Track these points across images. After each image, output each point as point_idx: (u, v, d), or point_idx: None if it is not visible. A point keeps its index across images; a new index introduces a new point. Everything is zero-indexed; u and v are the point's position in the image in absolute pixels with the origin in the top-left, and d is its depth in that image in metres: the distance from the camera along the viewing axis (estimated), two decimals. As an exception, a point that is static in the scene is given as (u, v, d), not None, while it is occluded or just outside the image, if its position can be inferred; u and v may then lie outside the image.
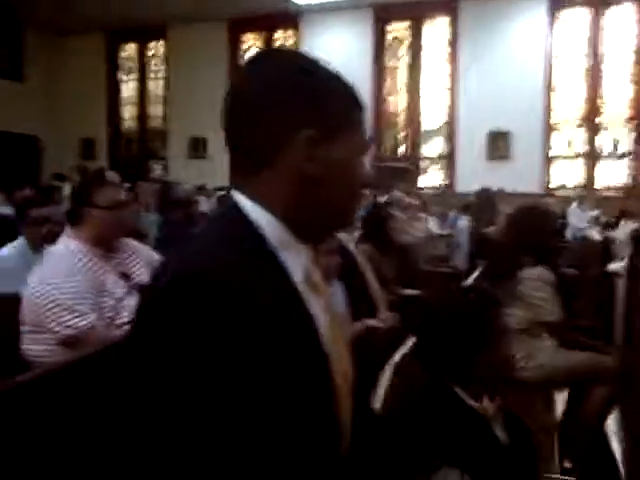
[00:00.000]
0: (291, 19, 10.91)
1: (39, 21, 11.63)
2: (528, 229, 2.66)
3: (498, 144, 9.82)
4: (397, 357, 1.51)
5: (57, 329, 2.04)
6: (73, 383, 1.49)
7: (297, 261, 0.80)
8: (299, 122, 0.77)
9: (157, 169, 12.53)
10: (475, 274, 3.22)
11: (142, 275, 2.40)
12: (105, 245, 2.25)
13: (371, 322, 2.19)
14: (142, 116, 12.65)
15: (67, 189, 7.16)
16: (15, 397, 1.32)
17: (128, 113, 12.80)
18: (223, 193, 7.34)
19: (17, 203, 4.43)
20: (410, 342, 1.66)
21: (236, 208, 0.79)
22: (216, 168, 11.16)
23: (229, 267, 0.69)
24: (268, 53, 0.84)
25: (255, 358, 0.66)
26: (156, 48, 12.42)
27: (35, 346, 2.11)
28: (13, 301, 2.22)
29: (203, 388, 0.65)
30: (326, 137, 0.78)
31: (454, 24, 10.19)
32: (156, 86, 12.50)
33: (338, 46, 10.27)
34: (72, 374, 1.52)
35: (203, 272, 0.68)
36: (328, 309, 0.86)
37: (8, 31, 11.64)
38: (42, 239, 2.90)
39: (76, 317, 2.03)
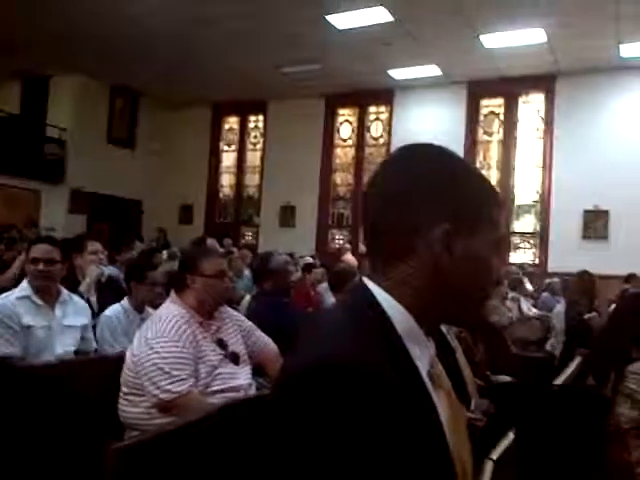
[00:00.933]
0: (386, 93, 11.24)
1: (153, 95, 12.75)
2: (638, 318, 2.50)
3: (595, 223, 9.44)
4: (497, 453, 1.43)
5: (155, 392, 2.10)
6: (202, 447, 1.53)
7: (424, 353, 0.81)
8: (437, 217, 0.79)
9: (249, 235, 13.04)
10: (574, 364, 3.04)
11: (236, 343, 2.47)
12: (206, 312, 2.34)
13: (470, 414, 2.10)
14: (238, 184, 13.32)
15: (165, 254, 7.58)
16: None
17: (226, 181, 13.55)
18: (311, 262, 7.53)
19: (123, 264, 4.72)
20: (509, 437, 1.57)
21: (370, 297, 0.80)
22: (304, 236, 11.55)
23: (366, 356, 0.71)
24: (408, 149, 0.87)
25: (385, 446, 0.67)
26: (256, 121, 13.22)
27: (132, 408, 2.19)
28: (117, 361, 2.34)
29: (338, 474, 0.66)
30: (463, 232, 0.80)
31: (549, 100, 10.13)
32: (254, 157, 13.22)
33: (431, 120, 10.42)
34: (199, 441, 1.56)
35: (343, 360, 0.69)
36: (449, 401, 0.86)
37: (127, 104, 12.85)
38: (150, 301, 3.08)
39: (174, 382, 2.09)
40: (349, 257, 9.43)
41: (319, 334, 0.79)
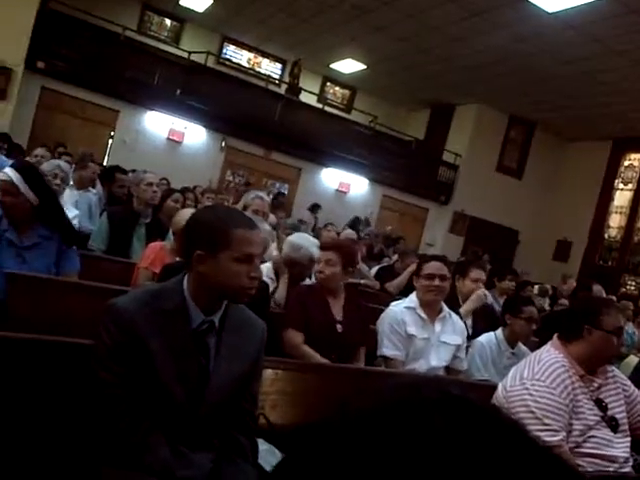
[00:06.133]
0: None
1: (549, 127, 12.51)
2: None
3: None
4: None
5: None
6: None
7: None
8: None
9: (631, 284, 11.62)
10: None
11: (618, 407, 2.23)
12: (590, 367, 2.18)
13: None
14: (629, 227, 11.98)
15: (535, 289, 7.33)
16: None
17: (615, 222, 12.34)
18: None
19: (499, 292, 4.77)
20: None
21: None
22: None
23: None
24: None
25: None
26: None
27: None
28: (487, 390, 2.37)
29: None
30: None
31: None
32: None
33: None
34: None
35: None
36: None
37: (521, 134, 12.93)
38: (524, 336, 3.05)
39: (545, 430, 2.00)
40: None
41: None
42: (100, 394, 1.45)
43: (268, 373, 1.98)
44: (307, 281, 3.29)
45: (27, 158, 5.82)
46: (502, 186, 12.58)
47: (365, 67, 11.94)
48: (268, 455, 1.75)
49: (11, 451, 1.48)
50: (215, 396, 1.56)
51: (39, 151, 5.57)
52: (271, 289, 3.11)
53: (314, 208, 10.43)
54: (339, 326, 2.77)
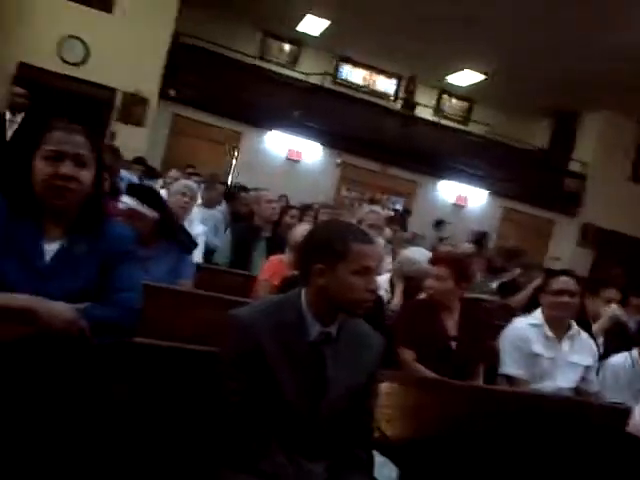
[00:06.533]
0: None
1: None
2: None
3: None
4: None
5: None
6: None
7: None
8: None
9: None
10: None
11: None
12: None
13: None
14: None
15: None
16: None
17: None
18: None
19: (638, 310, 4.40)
20: None
21: None
22: None
23: None
24: None
25: None
26: None
27: None
28: (620, 415, 2.20)
29: None
30: None
31: None
32: None
33: None
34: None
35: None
36: None
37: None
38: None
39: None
40: None
41: None
42: (224, 401, 1.53)
43: (384, 386, 1.97)
44: (422, 295, 3.24)
45: (162, 179, 6.34)
46: (637, 196, 11.61)
47: (484, 77, 11.61)
48: (383, 468, 1.75)
49: (144, 449, 1.60)
50: (332, 406, 1.58)
51: (173, 173, 6.06)
52: (386, 300, 3.10)
53: (439, 225, 10.03)
54: (453, 343, 2.69)
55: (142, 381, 1.66)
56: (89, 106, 8.62)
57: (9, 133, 4.73)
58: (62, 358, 1.49)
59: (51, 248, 1.58)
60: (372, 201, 9.99)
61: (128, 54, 8.80)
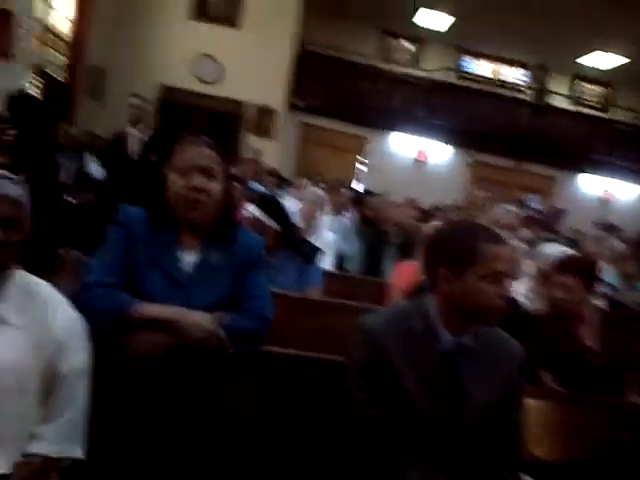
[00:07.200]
0: None
1: None
2: None
3: None
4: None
5: None
6: None
7: None
8: None
9: None
10: None
11: None
12: None
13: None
14: None
15: None
16: None
17: None
18: None
19: None
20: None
21: None
22: None
23: None
24: None
25: None
26: None
27: None
28: None
29: None
30: None
31: None
32: None
33: None
34: None
35: None
36: None
37: None
38: None
39: None
40: None
41: None
42: (355, 412, 1.48)
43: (532, 403, 1.82)
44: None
45: (295, 189, 6.50)
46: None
47: (628, 60, 10.51)
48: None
49: (257, 455, 1.59)
50: (472, 420, 1.48)
51: (304, 182, 6.20)
52: (531, 308, 2.88)
53: (610, 229, 9.07)
54: (593, 355, 2.41)
55: (270, 389, 1.66)
56: (222, 121, 9.10)
57: (129, 145, 4.73)
58: (205, 369, 1.54)
59: (189, 259, 1.65)
60: (509, 200, 9.43)
61: (255, 67, 9.04)
